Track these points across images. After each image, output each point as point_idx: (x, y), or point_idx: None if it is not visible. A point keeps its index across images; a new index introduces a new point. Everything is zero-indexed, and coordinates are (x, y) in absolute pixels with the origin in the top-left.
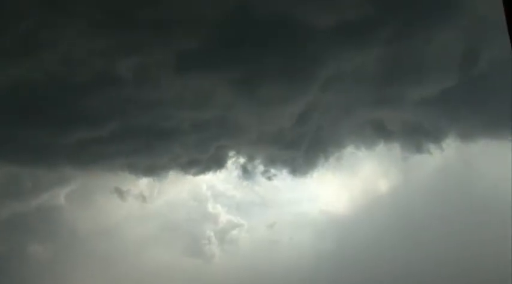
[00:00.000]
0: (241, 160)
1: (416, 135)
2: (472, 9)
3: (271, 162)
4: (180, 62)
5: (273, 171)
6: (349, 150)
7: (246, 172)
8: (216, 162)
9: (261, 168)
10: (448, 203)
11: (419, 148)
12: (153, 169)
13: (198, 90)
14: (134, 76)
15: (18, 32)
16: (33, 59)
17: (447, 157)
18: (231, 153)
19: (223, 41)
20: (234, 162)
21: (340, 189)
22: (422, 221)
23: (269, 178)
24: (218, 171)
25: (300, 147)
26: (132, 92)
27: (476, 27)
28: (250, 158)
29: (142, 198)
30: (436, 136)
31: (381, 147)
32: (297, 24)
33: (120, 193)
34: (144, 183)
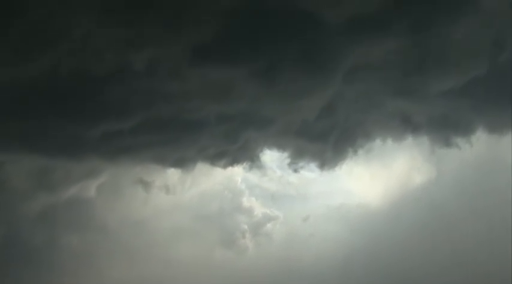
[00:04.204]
0: (269, 152)
1: (444, 128)
2: None
3: (300, 154)
4: (195, 54)
5: (300, 163)
6: (378, 142)
7: (275, 165)
8: (244, 154)
9: (288, 160)
10: (481, 198)
11: (447, 142)
12: (180, 161)
13: (219, 82)
14: (153, 69)
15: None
16: (55, 51)
17: (477, 151)
18: (259, 145)
19: (238, 32)
20: (262, 154)
21: (372, 182)
22: (456, 215)
23: (296, 171)
24: (246, 163)
25: (328, 139)
26: (154, 84)
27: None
28: (278, 150)
29: (166, 189)
30: (464, 129)
31: (409, 140)
32: (313, 16)
33: (147, 185)
34: (172, 174)
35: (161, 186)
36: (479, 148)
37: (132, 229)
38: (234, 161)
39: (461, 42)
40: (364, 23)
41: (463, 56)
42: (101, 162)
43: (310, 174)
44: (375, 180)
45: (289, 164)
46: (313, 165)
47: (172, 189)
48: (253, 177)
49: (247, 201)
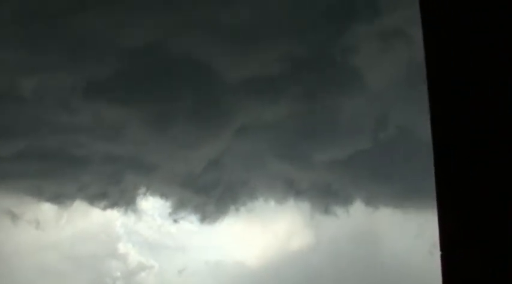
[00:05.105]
0: (152, 199)
1: (324, 196)
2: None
3: (182, 205)
4: (89, 88)
5: (182, 214)
6: (261, 202)
7: (157, 213)
8: (126, 198)
9: (169, 209)
10: (356, 270)
11: (327, 209)
12: (57, 196)
13: (110, 121)
14: (42, 97)
15: None
16: None
17: (353, 221)
18: (142, 191)
19: (136, 74)
20: (144, 200)
21: (252, 241)
22: (332, 283)
23: (176, 221)
24: (126, 208)
25: (212, 193)
26: (40, 113)
27: (391, 92)
28: (161, 198)
29: (37, 224)
30: (343, 199)
31: (291, 203)
32: (212, 71)
33: (15, 217)
34: (46, 209)
35: (31, 220)
36: (355, 218)
37: None
38: (114, 204)
39: (348, 116)
40: (259, 84)
41: (348, 130)
42: None
43: (191, 226)
44: (254, 239)
45: (170, 213)
46: (194, 217)
47: (43, 224)
48: (132, 222)
49: (123, 247)
